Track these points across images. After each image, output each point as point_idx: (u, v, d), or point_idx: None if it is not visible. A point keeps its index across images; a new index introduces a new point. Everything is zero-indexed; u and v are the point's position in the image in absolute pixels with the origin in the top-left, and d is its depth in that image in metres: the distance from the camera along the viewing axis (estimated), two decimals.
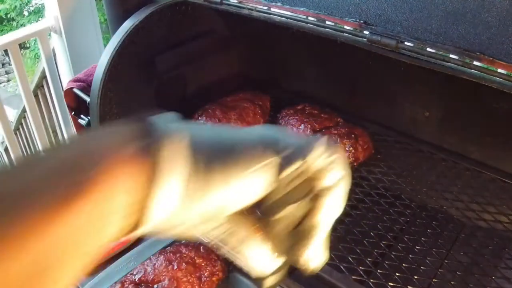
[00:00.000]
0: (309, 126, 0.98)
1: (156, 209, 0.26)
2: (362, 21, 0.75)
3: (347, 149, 0.92)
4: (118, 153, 0.24)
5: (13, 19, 7.36)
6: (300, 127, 0.99)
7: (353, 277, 0.68)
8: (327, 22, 0.83)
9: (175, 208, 0.27)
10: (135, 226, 0.26)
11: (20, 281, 0.21)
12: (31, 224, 0.21)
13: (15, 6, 7.13)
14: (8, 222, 0.21)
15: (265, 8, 0.89)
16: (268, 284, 0.37)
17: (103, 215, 0.24)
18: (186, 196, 0.26)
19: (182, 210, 0.27)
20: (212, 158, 0.27)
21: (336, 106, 1.10)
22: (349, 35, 0.78)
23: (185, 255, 0.82)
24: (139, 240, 0.99)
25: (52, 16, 1.60)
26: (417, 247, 0.76)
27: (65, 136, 1.88)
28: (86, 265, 0.25)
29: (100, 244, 0.25)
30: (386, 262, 0.73)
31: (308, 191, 0.34)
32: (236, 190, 0.28)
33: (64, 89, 1.11)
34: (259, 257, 0.33)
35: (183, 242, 0.90)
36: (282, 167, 0.31)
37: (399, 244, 0.76)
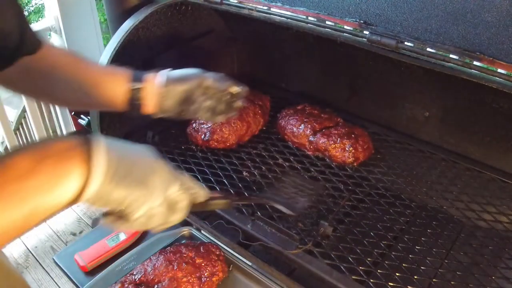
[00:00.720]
0: (309, 126, 0.98)
1: (90, 183, 0.43)
2: (362, 21, 0.75)
3: (347, 149, 0.92)
4: (69, 147, 0.43)
5: None
6: (300, 127, 0.99)
7: (353, 277, 0.68)
8: (327, 22, 0.82)
9: (101, 186, 0.44)
10: (77, 198, 0.44)
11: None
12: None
13: None
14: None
15: (265, 8, 0.89)
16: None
17: (52, 182, 0.41)
18: (108, 179, 0.44)
19: (104, 189, 0.44)
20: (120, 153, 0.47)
21: (336, 106, 1.10)
22: (349, 35, 0.78)
23: (185, 255, 0.82)
24: (139, 240, 0.99)
25: (52, 16, 1.60)
26: (417, 247, 0.76)
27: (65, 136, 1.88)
28: (38, 221, 0.42)
29: (52, 205, 0.42)
30: (386, 262, 0.73)
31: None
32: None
33: None
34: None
35: (183, 242, 0.90)
36: None
37: (399, 244, 0.76)
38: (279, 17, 0.86)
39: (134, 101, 0.69)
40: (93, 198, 0.45)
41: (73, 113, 0.96)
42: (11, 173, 0.39)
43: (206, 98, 0.72)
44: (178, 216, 0.53)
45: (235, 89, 0.74)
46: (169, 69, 0.74)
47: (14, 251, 1.62)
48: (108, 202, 0.46)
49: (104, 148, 0.45)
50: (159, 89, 0.70)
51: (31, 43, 0.63)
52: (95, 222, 2.04)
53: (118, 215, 0.49)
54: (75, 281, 0.90)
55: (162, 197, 0.50)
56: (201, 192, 0.57)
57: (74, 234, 1.98)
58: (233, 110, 0.75)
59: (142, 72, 0.72)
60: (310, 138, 0.97)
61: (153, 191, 0.48)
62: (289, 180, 0.88)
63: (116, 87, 0.69)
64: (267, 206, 0.82)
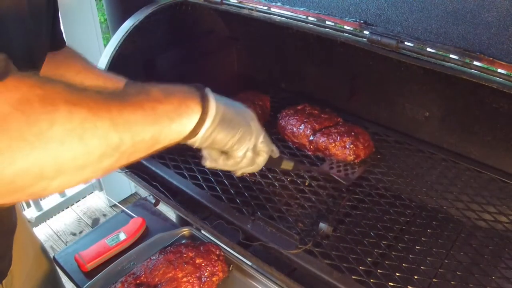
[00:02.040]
0: (309, 126, 0.98)
1: (205, 122, 0.51)
2: (362, 21, 0.75)
3: (347, 146, 0.92)
4: (188, 91, 0.51)
5: None
6: (300, 127, 0.99)
7: (353, 277, 0.68)
8: (327, 22, 0.83)
9: (211, 126, 0.52)
10: (194, 131, 0.50)
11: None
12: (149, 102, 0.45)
13: None
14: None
15: (265, 8, 0.89)
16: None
17: (179, 111, 0.48)
18: (217, 121, 0.52)
19: (213, 130, 0.52)
20: (226, 106, 0.55)
21: (336, 106, 1.10)
22: (349, 35, 0.78)
23: (185, 255, 0.82)
24: (139, 240, 0.99)
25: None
26: (417, 247, 0.76)
27: None
28: (159, 147, 0.47)
29: (174, 133, 0.48)
30: (386, 262, 0.73)
31: None
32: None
33: None
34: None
35: (183, 242, 0.90)
36: None
37: (399, 244, 0.76)
38: (279, 17, 0.86)
39: None
40: (204, 136, 0.52)
41: None
42: (149, 97, 0.45)
43: None
44: (260, 162, 0.62)
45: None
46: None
47: None
48: (216, 141, 0.54)
49: (213, 97, 0.52)
50: None
51: (56, 40, 0.65)
52: (95, 222, 2.04)
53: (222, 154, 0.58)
54: (75, 281, 0.90)
55: (255, 141, 0.59)
56: (275, 149, 0.67)
57: (74, 234, 1.98)
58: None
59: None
60: (310, 138, 0.97)
61: (251, 134, 0.58)
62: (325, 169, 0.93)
63: None
64: (267, 206, 0.83)
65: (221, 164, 0.59)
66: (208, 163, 0.60)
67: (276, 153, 0.67)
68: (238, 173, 0.63)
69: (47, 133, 0.33)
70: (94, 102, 0.38)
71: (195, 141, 0.52)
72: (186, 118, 0.49)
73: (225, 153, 0.58)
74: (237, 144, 0.56)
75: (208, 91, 0.53)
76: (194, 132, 0.50)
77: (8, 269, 0.70)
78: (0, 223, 0.64)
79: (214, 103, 0.52)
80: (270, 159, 0.66)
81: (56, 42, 0.67)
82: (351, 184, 0.89)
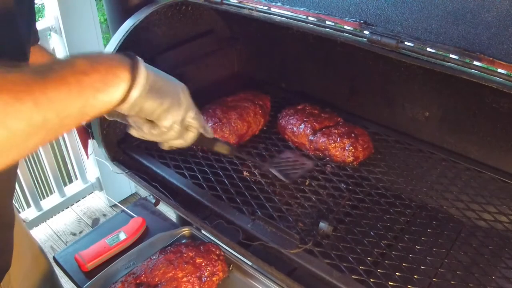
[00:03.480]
0: (309, 125, 0.98)
1: (133, 89, 0.51)
2: (362, 21, 0.76)
3: (346, 148, 0.92)
4: (117, 59, 0.51)
5: None
6: (300, 127, 0.99)
7: (353, 276, 0.68)
8: (327, 22, 0.83)
9: (141, 94, 0.52)
10: (123, 99, 0.50)
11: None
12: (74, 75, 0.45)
13: None
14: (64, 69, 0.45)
15: (265, 8, 0.89)
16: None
17: (105, 80, 0.48)
18: (146, 89, 0.53)
19: (142, 97, 0.53)
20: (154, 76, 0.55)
21: (336, 106, 1.10)
22: (349, 35, 0.78)
23: (185, 255, 0.82)
24: (139, 240, 0.99)
25: (52, 16, 1.60)
26: (417, 246, 0.76)
27: (65, 137, 1.89)
28: (88, 118, 0.48)
29: (102, 103, 0.48)
30: (386, 261, 0.73)
31: None
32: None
33: None
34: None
35: (183, 242, 0.90)
36: None
37: (399, 244, 0.76)
38: (279, 17, 0.86)
39: None
40: (132, 104, 0.52)
41: None
42: (75, 69, 0.45)
43: None
44: (189, 137, 0.62)
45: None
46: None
47: None
48: (143, 109, 0.54)
49: (143, 64, 0.53)
50: None
51: (34, 35, 0.66)
52: (95, 222, 2.04)
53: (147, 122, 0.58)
54: (75, 281, 0.90)
55: (184, 114, 0.59)
56: (208, 129, 0.67)
57: (74, 234, 1.98)
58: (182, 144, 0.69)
59: None
60: (310, 138, 0.97)
61: (180, 105, 0.58)
62: (284, 156, 0.92)
63: None
64: (267, 205, 0.83)
65: (147, 133, 0.59)
66: (134, 132, 0.60)
67: (209, 133, 0.67)
68: (165, 146, 0.63)
69: None
70: (16, 85, 0.39)
71: (123, 108, 0.52)
72: (113, 87, 0.49)
73: (151, 122, 0.58)
74: (164, 113, 0.56)
75: (139, 59, 0.53)
76: (123, 100, 0.51)
77: (6, 270, 0.70)
78: None
79: (144, 71, 0.52)
80: (203, 138, 0.66)
81: (35, 36, 0.71)
82: (352, 183, 0.89)
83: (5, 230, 0.69)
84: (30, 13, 0.64)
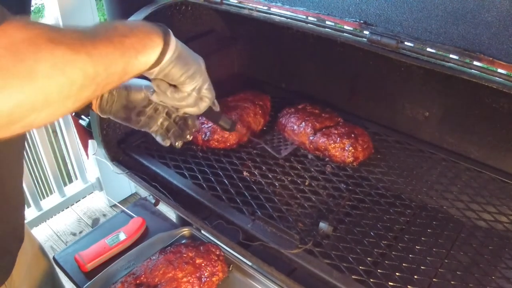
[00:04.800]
0: (310, 124, 0.98)
1: (166, 53, 0.57)
2: (362, 21, 0.75)
3: (346, 148, 0.92)
4: (151, 26, 0.56)
5: None
6: (301, 125, 0.99)
7: (353, 276, 0.68)
8: (327, 22, 0.83)
9: (170, 58, 0.58)
10: (157, 62, 0.56)
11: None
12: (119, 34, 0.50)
13: None
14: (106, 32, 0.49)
15: (265, 8, 0.89)
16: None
17: (143, 43, 0.53)
18: (175, 55, 0.59)
19: (171, 62, 0.58)
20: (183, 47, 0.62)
21: (336, 106, 1.10)
22: (349, 35, 0.78)
23: (185, 255, 0.82)
24: (139, 240, 0.99)
25: (52, 16, 1.60)
26: (417, 246, 0.76)
27: (65, 137, 1.89)
28: (128, 77, 0.52)
29: (141, 63, 0.53)
30: (386, 261, 0.73)
31: None
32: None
33: None
34: None
35: (183, 242, 0.90)
36: None
37: (399, 244, 0.76)
38: (279, 17, 0.86)
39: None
40: (162, 67, 0.57)
41: (73, 114, 0.96)
42: (117, 32, 0.50)
43: (158, 113, 0.73)
44: (203, 105, 0.68)
45: (190, 121, 0.75)
46: None
47: None
48: (170, 73, 0.59)
49: (173, 36, 0.58)
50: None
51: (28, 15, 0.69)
52: (95, 222, 2.04)
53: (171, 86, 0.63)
54: (75, 281, 0.90)
55: (202, 84, 0.65)
56: (216, 103, 0.73)
57: (74, 234, 1.98)
58: (182, 138, 0.74)
59: None
60: (310, 137, 0.97)
61: (202, 75, 0.64)
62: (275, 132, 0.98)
63: None
64: (267, 205, 0.83)
65: (169, 96, 0.64)
66: (155, 97, 0.65)
67: (217, 107, 0.73)
68: (181, 111, 0.68)
69: (34, 69, 0.38)
70: (72, 39, 0.43)
71: (154, 71, 0.57)
72: (150, 49, 0.54)
73: (173, 86, 0.63)
74: (188, 79, 0.62)
75: (169, 30, 0.59)
76: (156, 63, 0.56)
77: (18, 248, 0.72)
78: (9, 197, 0.67)
79: (174, 39, 0.58)
80: (211, 111, 0.72)
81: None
82: (352, 184, 0.89)
83: (17, 211, 0.71)
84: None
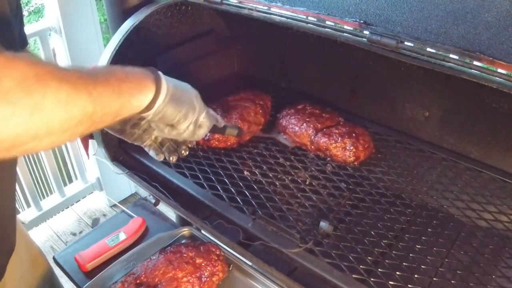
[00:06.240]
0: (311, 125, 0.98)
1: (158, 99, 0.60)
2: (362, 21, 0.76)
3: (348, 148, 0.92)
4: (144, 72, 0.60)
5: None
6: (302, 126, 0.99)
7: (353, 275, 0.68)
8: (327, 22, 0.83)
9: (163, 103, 0.61)
10: (149, 106, 0.59)
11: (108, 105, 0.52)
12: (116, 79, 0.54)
13: None
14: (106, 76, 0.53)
15: (265, 8, 0.89)
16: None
17: (138, 88, 0.57)
18: (167, 99, 0.62)
19: (164, 106, 0.62)
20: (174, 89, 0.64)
21: (337, 106, 1.10)
22: (349, 35, 0.78)
23: (185, 255, 0.82)
24: (139, 240, 0.99)
25: (52, 16, 1.60)
26: (417, 246, 0.76)
27: None
28: (120, 118, 0.55)
29: (134, 107, 0.57)
30: (386, 261, 0.73)
31: None
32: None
33: None
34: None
35: (183, 242, 0.90)
36: None
37: (400, 243, 0.76)
38: (279, 17, 0.86)
39: None
40: (156, 110, 0.61)
41: None
42: (115, 76, 0.54)
43: (152, 128, 0.71)
44: (201, 134, 0.71)
45: None
46: None
47: None
48: (165, 116, 0.63)
49: (164, 78, 0.62)
50: None
51: (22, 40, 0.71)
52: (95, 222, 2.04)
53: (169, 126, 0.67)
54: (75, 281, 0.90)
55: (198, 116, 0.68)
56: (219, 120, 0.78)
57: (74, 234, 1.98)
58: (177, 155, 0.75)
59: None
60: (311, 138, 0.97)
61: (194, 111, 0.67)
62: None
63: None
64: (268, 205, 0.83)
65: (167, 134, 0.69)
66: (155, 133, 0.71)
67: (221, 123, 0.78)
68: (181, 139, 0.73)
69: (41, 103, 0.42)
70: (76, 79, 0.47)
71: (149, 115, 0.61)
72: (143, 95, 0.58)
73: (170, 125, 0.67)
74: (182, 118, 0.65)
75: (160, 73, 0.62)
76: (149, 107, 0.59)
77: (3, 274, 0.70)
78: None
79: (165, 83, 0.61)
80: (215, 128, 0.76)
81: (24, 41, 0.75)
82: (352, 183, 0.89)
83: (6, 224, 0.70)
84: (18, 18, 0.68)
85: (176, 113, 0.64)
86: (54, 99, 0.43)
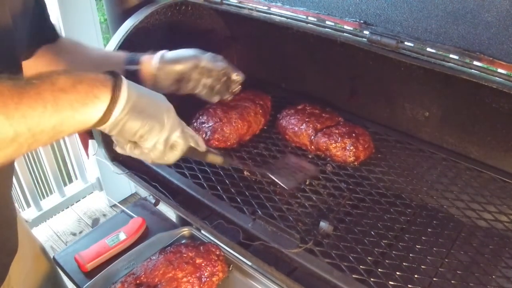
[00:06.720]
0: (311, 125, 0.98)
1: (113, 110, 0.51)
2: (362, 21, 0.76)
3: (348, 147, 0.92)
4: (100, 79, 0.51)
5: None
6: (302, 127, 0.99)
7: (353, 276, 0.68)
8: (327, 22, 0.83)
9: (121, 114, 0.52)
10: (103, 119, 0.51)
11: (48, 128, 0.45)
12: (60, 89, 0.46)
13: None
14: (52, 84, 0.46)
15: (265, 8, 0.89)
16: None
17: (82, 101, 0.48)
18: (126, 109, 0.52)
19: (122, 118, 0.53)
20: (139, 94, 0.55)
21: (337, 106, 1.10)
22: (349, 35, 0.78)
23: (185, 255, 0.82)
24: (139, 240, 0.99)
25: (52, 15, 1.60)
26: (417, 246, 0.76)
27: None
28: (64, 135, 0.48)
29: (78, 122, 0.49)
30: (386, 261, 0.73)
31: None
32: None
33: None
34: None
35: (183, 242, 0.90)
36: None
37: (400, 243, 0.76)
38: (279, 17, 0.86)
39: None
40: (112, 124, 0.52)
41: None
42: (54, 86, 0.46)
43: (204, 77, 0.79)
44: (173, 156, 0.61)
45: (233, 75, 0.83)
46: (164, 50, 0.79)
47: None
48: (124, 130, 0.54)
49: (126, 85, 0.53)
50: (154, 71, 0.76)
51: (49, 33, 0.72)
52: (95, 222, 2.04)
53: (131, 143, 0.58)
54: (75, 281, 0.90)
55: (168, 135, 0.58)
56: (200, 143, 0.66)
57: (74, 234, 1.98)
58: (229, 93, 0.83)
59: (138, 54, 0.79)
60: (311, 138, 0.97)
61: (162, 127, 0.57)
62: (288, 161, 0.91)
63: (114, 68, 0.76)
64: (268, 205, 0.83)
65: (128, 152, 0.59)
66: (118, 149, 0.61)
67: (202, 147, 0.67)
68: (149, 161, 0.62)
69: None
70: None
71: (104, 128, 0.53)
72: (91, 107, 0.49)
73: (133, 142, 0.58)
74: (146, 135, 0.55)
75: (123, 80, 0.53)
76: (102, 120, 0.51)
77: (4, 278, 0.70)
78: None
79: (125, 92, 0.52)
80: (195, 152, 0.65)
81: (50, 34, 0.73)
82: (352, 183, 0.89)
83: (6, 226, 0.70)
84: (36, 18, 0.66)
85: (137, 127, 0.54)
86: None
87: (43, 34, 0.72)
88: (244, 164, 0.88)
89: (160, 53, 0.78)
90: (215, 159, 0.70)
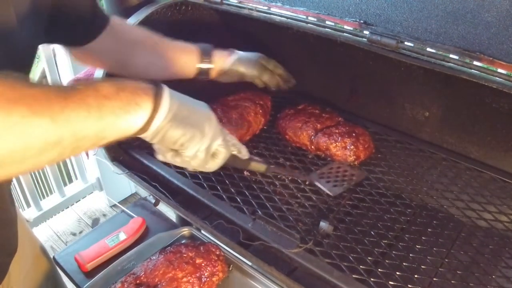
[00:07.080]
0: (311, 125, 0.98)
1: (154, 118, 0.51)
2: (362, 21, 0.76)
3: (348, 147, 0.92)
4: (142, 87, 0.52)
5: None
6: (302, 127, 0.99)
7: (353, 276, 0.68)
8: (327, 22, 0.83)
9: (163, 122, 0.53)
10: (145, 127, 0.51)
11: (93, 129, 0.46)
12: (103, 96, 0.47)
13: None
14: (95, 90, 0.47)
15: (265, 8, 0.89)
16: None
17: (125, 108, 0.48)
18: (169, 118, 0.53)
19: (164, 126, 0.53)
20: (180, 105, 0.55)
21: (337, 106, 1.10)
22: (349, 35, 0.78)
23: (185, 255, 0.82)
24: (139, 240, 0.99)
25: None
26: (417, 246, 0.76)
27: None
28: (106, 142, 0.48)
29: (121, 129, 0.49)
30: (386, 261, 0.73)
31: None
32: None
33: None
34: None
35: (183, 242, 0.90)
36: None
37: (400, 243, 0.76)
38: (279, 17, 0.86)
39: (201, 75, 0.88)
40: (154, 133, 0.53)
41: None
42: (98, 92, 0.46)
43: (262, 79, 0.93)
44: (214, 165, 0.62)
45: (289, 82, 0.97)
46: (235, 50, 0.90)
47: None
48: (165, 139, 0.54)
49: (168, 93, 0.53)
50: (224, 70, 0.88)
51: (102, 17, 0.73)
52: (95, 222, 2.04)
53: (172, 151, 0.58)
54: (75, 281, 0.90)
55: (209, 143, 0.58)
56: (243, 151, 0.68)
57: (74, 234, 1.98)
58: (287, 84, 0.97)
59: (210, 51, 0.87)
60: (311, 138, 0.97)
61: (204, 135, 0.57)
62: (331, 167, 0.92)
63: (187, 63, 0.85)
64: (268, 205, 0.83)
65: (169, 160, 0.60)
66: (159, 157, 0.61)
67: (244, 155, 0.68)
68: (190, 169, 0.63)
69: None
70: (36, 100, 0.40)
71: (146, 136, 0.53)
72: (133, 115, 0.49)
73: (174, 150, 0.58)
74: (186, 143, 0.56)
75: (164, 88, 0.53)
76: (143, 128, 0.51)
77: (2, 278, 0.70)
78: None
79: (167, 101, 0.52)
80: (237, 160, 0.66)
81: (101, 18, 0.75)
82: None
83: (6, 227, 0.70)
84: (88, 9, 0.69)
85: (179, 136, 0.54)
86: (2, 124, 0.37)
87: (96, 18, 0.73)
88: (289, 172, 0.89)
89: (234, 54, 0.89)
90: (258, 167, 0.71)
